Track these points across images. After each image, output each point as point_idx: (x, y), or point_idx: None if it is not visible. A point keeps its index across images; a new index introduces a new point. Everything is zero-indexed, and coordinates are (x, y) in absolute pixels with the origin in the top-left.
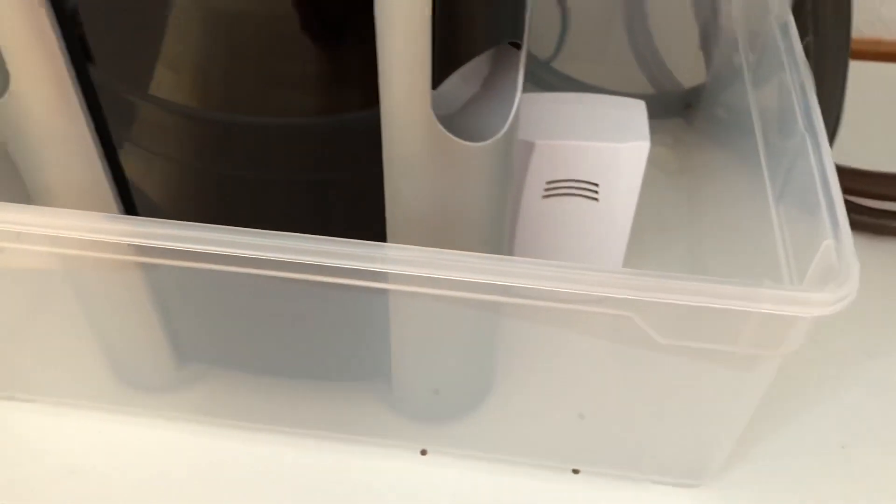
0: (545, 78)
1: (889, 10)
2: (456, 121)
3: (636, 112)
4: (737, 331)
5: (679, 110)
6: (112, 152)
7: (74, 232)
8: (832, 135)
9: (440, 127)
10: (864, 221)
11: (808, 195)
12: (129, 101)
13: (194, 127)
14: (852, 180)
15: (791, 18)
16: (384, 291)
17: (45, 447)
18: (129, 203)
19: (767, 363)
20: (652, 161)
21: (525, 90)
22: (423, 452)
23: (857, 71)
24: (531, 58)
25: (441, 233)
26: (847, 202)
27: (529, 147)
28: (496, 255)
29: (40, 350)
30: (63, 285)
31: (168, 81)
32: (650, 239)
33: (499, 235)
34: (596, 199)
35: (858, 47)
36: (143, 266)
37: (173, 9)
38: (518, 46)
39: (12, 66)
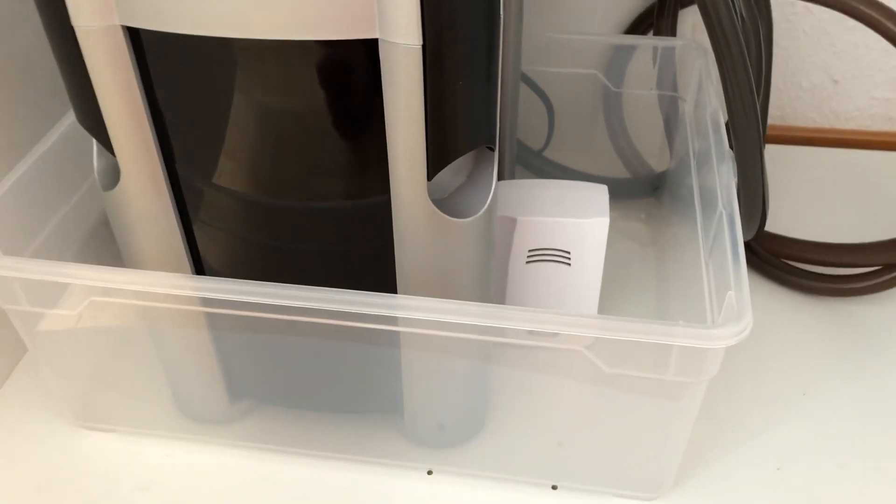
0: (537, 165)
1: (838, 103)
2: (447, 203)
3: (599, 194)
4: (664, 362)
5: (651, 191)
6: (188, 226)
7: (159, 288)
8: (764, 213)
9: (434, 208)
10: (802, 284)
11: (723, 258)
12: (199, 188)
13: (247, 208)
14: (802, 250)
15: (722, 118)
16: (397, 341)
17: (122, 469)
18: (199, 266)
19: (694, 389)
20: (628, 234)
21: (519, 175)
22: (430, 472)
23: (813, 156)
24: (525, 148)
25: (437, 287)
26: (791, 266)
27: (513, 222)
28: (481, 303)
29: (118, 387)
30: (139, 334)
31: (226, 174)
32: (627, 296)
33: (483, 288)
34: (569, 264)
35: (815, 135)
36: (206, 317)
37: (229, 126)
38: (492, 149)
39: (123, 167)
